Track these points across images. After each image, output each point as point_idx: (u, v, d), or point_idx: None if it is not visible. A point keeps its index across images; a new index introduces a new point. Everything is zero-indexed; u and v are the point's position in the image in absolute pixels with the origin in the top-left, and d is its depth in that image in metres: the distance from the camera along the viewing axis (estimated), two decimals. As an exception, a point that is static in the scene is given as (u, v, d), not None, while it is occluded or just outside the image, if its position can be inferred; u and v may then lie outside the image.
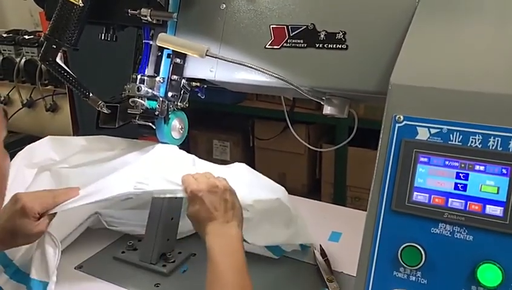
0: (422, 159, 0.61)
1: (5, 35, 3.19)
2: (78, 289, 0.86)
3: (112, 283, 0.87)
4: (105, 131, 0.96)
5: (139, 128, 0.93)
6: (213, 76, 0.90)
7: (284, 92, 0.93)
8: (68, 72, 0.87)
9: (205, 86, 0.95)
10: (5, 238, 0.79)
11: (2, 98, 3.36)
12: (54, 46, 0.84)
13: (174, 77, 0.90)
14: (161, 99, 0.88)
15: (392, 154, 0.63)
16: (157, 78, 0.89)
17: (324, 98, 0.83)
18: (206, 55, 0.78)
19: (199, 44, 0.80)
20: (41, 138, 3.48)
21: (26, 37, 3.10)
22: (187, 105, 0.94)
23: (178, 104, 0.92)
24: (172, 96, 0.90)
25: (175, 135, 0.93)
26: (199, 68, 0.91)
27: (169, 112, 0.90)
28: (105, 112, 0.90)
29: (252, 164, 2.78)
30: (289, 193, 1.25)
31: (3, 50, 3.24)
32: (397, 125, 0.63)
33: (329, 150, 2.35)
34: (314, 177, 2.58)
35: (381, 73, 0.74)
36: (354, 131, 0.93)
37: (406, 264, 0.61)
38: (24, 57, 3.19)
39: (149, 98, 0.88)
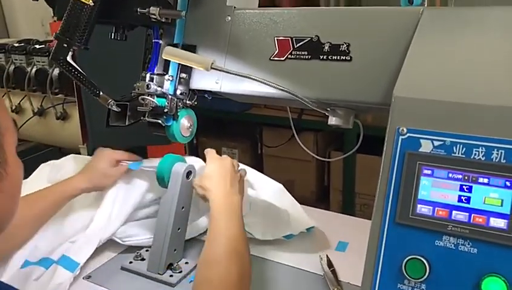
0: (425, 171, 0.61)
1: (16, 44, 3.23)
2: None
3: (119, 293, 0.88)
4: (115, 129, 0.97)
5: (148, 127, 0.95)
6: (219, 88, 0.91)
7: (289, 103, 0.93)
8: (79, 70, 0.88)
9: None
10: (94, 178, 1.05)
11: (14, 107, 3.40)
12: (65, 45, 0.86)
13: (183, 75, 0.92)
14: (170, 96, 0.90)
15: (396, 166, 0.64)
16: (166, 76, 0.91)
17: (328, 109, 0.83)
18: (211, 68, 0.79)
19: (204, 57, 0.81)
20: (51, 146, 3.49)
21: (37, 46, 3.15)
22: (195, 103, 0.96)
23: (187, 102, 0.94)
24: (181, 93, 0.92)
25: (184, 132, 0.94)
26: (205, 80, 0.92)
27: (178, 110, 0.92)
28: (115, 110, 0.91)
29: (260, 171, 2.79)
30: (297, 200, 1.26)
31: (15, 59, 3.29)
32: (400, 137, 0.63)
33: (337, 159, 2.34)
34: (322, 184, 2.58)
35: (385, 84, 0.75)
36: (360, 140, 0.94)
37: (410, 277, 0.61)
38: (35, 66, 3.23)
39: (158, 96, 0.90)
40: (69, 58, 0.88)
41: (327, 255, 0.96)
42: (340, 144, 2.42)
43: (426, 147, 0.62)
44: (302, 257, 0.98)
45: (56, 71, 3.10)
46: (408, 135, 0.63)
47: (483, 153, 0.59)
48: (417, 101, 0.63)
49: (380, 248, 0.64)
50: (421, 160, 0.62)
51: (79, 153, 3.19)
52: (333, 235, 1.08)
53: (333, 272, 0.92)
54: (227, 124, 2.77)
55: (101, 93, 0.92)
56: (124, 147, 2.41)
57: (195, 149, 2.84)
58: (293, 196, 1.25)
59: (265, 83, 0.78)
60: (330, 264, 0.94)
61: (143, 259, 0.97)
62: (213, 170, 0.93)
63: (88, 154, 2.77)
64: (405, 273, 0.61)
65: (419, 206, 0.61)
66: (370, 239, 0.65)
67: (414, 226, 0.61)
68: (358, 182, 2.36)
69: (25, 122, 3.27)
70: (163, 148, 1.68)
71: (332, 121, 0.84)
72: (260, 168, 2.82)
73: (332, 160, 2.26)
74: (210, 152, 0.99)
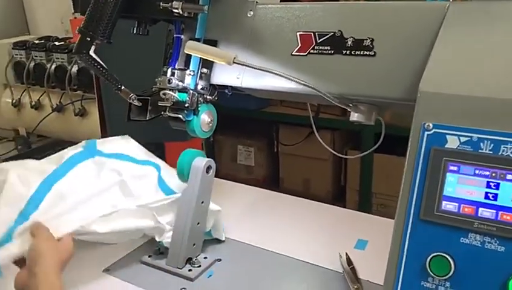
0: (451, 167, 0.61)
1: (36, 41, 3.28)
2: (105, 292, 0.88)
3: (139, 287, 0.89)
4: (133, 125, 0.98)
5: (169, 121, 0.95)
6: (240, 83, 0.91)
7: (310, 98, 0.93)
8: (101, 64, 0.89)
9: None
10: None
11: (33, 103, 3.45)
12: (88, 39, 0.86)
13: (204, 70, 0.92)
14: (191, 91, 0.90)
15: (421, 162, 0.63)
16: (187, 71, 0.92)
17: (350, 104, 0.83)
18: (234, 62, 0.79)
19: (226, 52, 0.81)
20: (70, 142, 3.54)
21: (57, 43, 3.19)
22: (216, 98, 0.96)
23: (208, 97, 0.94)
24: (201, 88, 0.92)
25: (205, 127, 0.95)
26: (226, 75, 0.92)
27: (199, 105, 0.92)
28: (136, 104, 0.92)
29: (276, 170, 2.80)
30: (314, 199, 1.25)
31: (35, 56, 3.33)
32: (426, 133, 0.63)
33: (355, 157, 2.33)
34: (339, 183, 2.57)
35: (409, 80, 0.74)
36: (381, 138, 0.92)
37: (434, 274, 0.60)
38: (54, 63, 3.27)
39: (179, 91, 0.91)
40: (91, 52, 0.89)
41: (346, 253, 0.95)
42: (357, 143, 2.41)
43: (452, 143, 0.61)
44: (321, 254, 0.97)
45: (75, 68, 3.13)
46: (434, 130, 0.62)
47: (511, 149, 0.58)
48: (443, 96, 0.62)
49: (403, 244, 0.63)
50: (447, 156, 0.61)
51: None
52: (351, 233, 1.07)
53: (353, 269, 0.91)
54: (243, 122, 2.77)
55: (123, 87, 0.93)
56: (143, 144, 2.43)
57: (212, 146, 2.85)
58: (309, 195, 1.25)
59: (288, 78, 0.77)
60: (349, 262, 0.93)
61: (161, 253, 0.97)
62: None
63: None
64: (429, 270, 0.60)
65: (444, 202, 0.61)
66: (394, 236, 0.64)
67: (439, 223, 0.60)
68: (375, 181, 2.34)
69: (43, 118, 3.31)
70: (181, 144, 1.69)
71: (354, 117, 0.84)
72: (276, 167, 2.82)
73: (350, 157, 2.24)
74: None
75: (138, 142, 2.46)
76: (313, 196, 1.19)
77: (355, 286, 0.86)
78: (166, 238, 0.95)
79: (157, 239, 0.96)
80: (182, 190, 0.97)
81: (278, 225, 1.12)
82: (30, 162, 0.98)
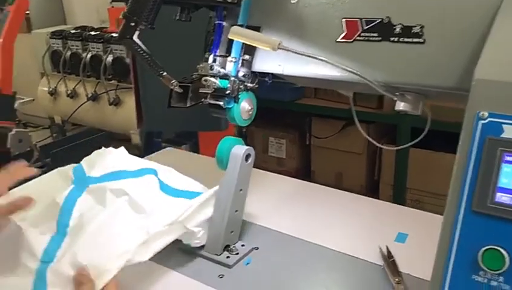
0: (507, 158, 0.58)
1: (73, 31, 3.34)
2: (145, 277, 0.88)
3: (178, 272, 0.89)
4: (169, 114, 0.98)
5: (209, 109, 0.95)
6: (282, 70, 0.90)
7: (353, 87, 0.91)
8: (144, 50, 0.89)
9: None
10: None
11: (69, 92, 3.52)
12: (132, 24, 0.87)
13: (246, 56, 0.91)
14: (232, 78, 0.90)
15: (474, 152, 0.60)
16: (229, 58, 0.91)
17: (397, 93, 0.81)
18: (278, 48, 0.78)
19: (271, 37, 0.80)
20: (103, 131, 3.58)
21: (93, 33, 3.24)
22: (257, 86, 0.95)
23: (249, 84, 0.93)
24: (243, 75, 0.92)
25: (244, 115, 0.95)
26: (267, 62, 0.91)
27: (240, 92, 0.92)
28: (178, 91, 0.92)
29: (307, 163, 2.78)
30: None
31: (71, 45, 3.39)
32: (480, 122, 0.60)
33: (390, 149, 2.29)
34: (372, 178, 2.53)
35: (461, 68, 0.71)
36: (426, 129, 0.90)
37: (487, 268, 0.57)
38: (90, 52, 3.33)
39: (220, 77, 0.90)
40: (135, 38, 0.90)
41: (386, 246, 0.94)
42: (393, 137, 2.37)
43: (509, 132, 0.58)
44: (360, 246, 0.96)
45: (110, 58, 3.18)
46: (489, 119, 0.60)
47: None
48: (500, 84, 0.60)
49: (453, 237, 0.61)
50: (503, 146, 0.58)
51: (129, 140, 3.27)
52: (390, 225, 1.04)
53: (393, 262, 0.89)
54: (275, 114, 2.76)
55: (165, 73, 0.93)
56: (177, 132, 2.45)
57: (244, 138, 2.85)
58: (341, 189, 1.23)
59: (334, 65, 0.76)
60: (389, 254, 0.92)
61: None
62: None
63: (141, 140, 2.83)
64: (481, 264, 0.58)
65: (498, 194, 0.58)
66: (443, 228, 0.62)
67: (492, 215, 0.58)
68: (410, 176, 2.30)
69: (78, 107, 3.37)
70: (214, 134, 1.69)
71: (400, 106, 0.81)
72: (307, 160, 2.81)
73: (388, 148, 2.18)
74: None
75: (173, 131, 2.49)
76: (346, 189, 1.17)
77: (396, 279, 0.85)
78: (194, 242, 0.93)
79: (184, 242, 0.93)
80: (184, 185, 0.98)
81: (314, 215, 1.10)
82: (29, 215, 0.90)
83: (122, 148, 1.11)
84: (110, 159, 1.04)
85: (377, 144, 1.05)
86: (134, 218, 0.90)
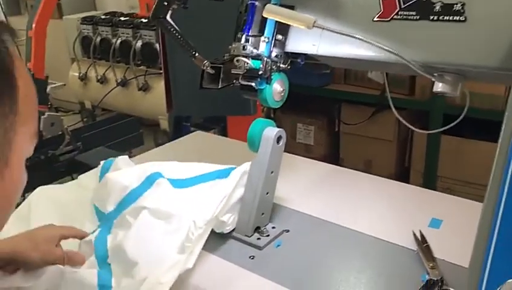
0: (555, 139, 0.56)
1: (103, 17, 3.37)
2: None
3: (209, 253, 0.89)
4: (205, 95, 0.98)
5: (241, 90, 0.94)
6: (316, 50, 0.88)
7: (389, 67, 0.89)
8: (177, 30, 0.89)
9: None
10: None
11: (99, 77, 3.56)
12: (165, 3, 0.86)
13: (279, 36, 0.90)
14: (265, 59, 0.88)
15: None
16: (262, 38, 0.90)
17: (435, 74, 0.78)
18: (314, 26, 0.76)
19: (306, 15, 0.79)
20: (132, 116, 3.59)
21: (122, 18, 3.26)
22: (289, 67, 0.94)
23: (281, 65, 0.92)
24: (275, 56, 0.90)
25: (276, 97, 0.93)
26: (301, 42, 0.90)
27: (272, 73, 0.91)
28: (210, 72, 0.91)
29: (336, 150, 2.75)
30: (375, 180, 1.21)
31: (101, 31, 3.42)
32: (526, 101, 0.58)
33: (422, 134, 2.24)
34: (403, 165, 2.49)
35: (504, 47, 0.68)
36: (465, 110, 0.87)
37: (530, 253, 0.56)
38: (120, 38, 3.35)
39: (253, 58, 0.89)
40: (168, 17, 0.89)
41: (420, 231, 0.92)
42: (424, 124, 2.32)
43: (558, 112, 0.56)
44: (394, 232, 0.94)
45: (139, 43, 3.20)
46: (536, 98, 0.57)
47: None
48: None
49: (495, 222, 0.59)
50: (551, 126, 0.56)
51: (159, 125, 3.29)
52: (423, 210, 1.02)
53: (427, 248, 0.88)
54: (304, 100, 2.73)
55: (197, 54, 0.93)
56: (206, 116, 2.45)
57: (272, 124, 2.83)
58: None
59: (371, 43, 0.74)
60: (423, 239, 0.90)
61: (230, 222, 0.97)
62: None
63: (169, 125, 2.85)
64: (525, 247, 0.56)
65: (544, 177, 0.56)
66: (484, 212, 0.60)
67: (537, 198, 0.56)
68: (441, 164, 2.25)
69: (108, 92, 3.42)
70: (243, 118, 1.69)
71: (438, 87, 0.79)
72: (337, 147, 2.78)
73: (422, 131, 2.13)
74: None
75: (202, 116, 2.49)
76: (375, 177, 1.15)
77: (430, 264, 0.83)
78: (225, 229, 0.94)
79: (217, 231, 0.92)
80: (194, 172, 0.99)
81: (345, 199, 1.09)
82: None
83: (125, 158, 1.13)
84: (113, 184, 1.00)
85: (411, 127, 1.03)
86: (161, 225, 0.90)
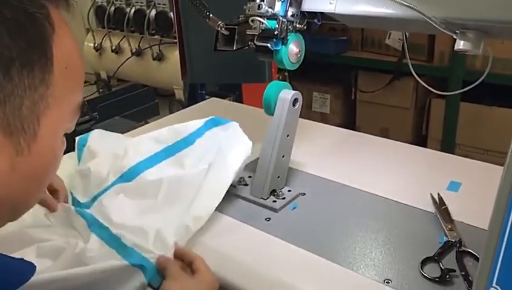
0: None
1: (117, -15, 3.32)
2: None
3: (225, 215, 0.89)
4: (219, 61, 0.96)
5: (256, 52, 0.92)
6: (333, 8, 0.85)
7: (409, 25, 0.86)
8: None
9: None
10: None
11: (114, 47, 3.55)
12: None
13: None
14: (280, 18, 0.86)
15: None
16: None
17: (457, 31, 0.75)
18: (331, -19, 0.74)
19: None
20: (147, 86, 3.60)
21: (136, -13, 3.20)
22: (305, 27, 0.91)
23: (297, 25, 0.90)
24: (291, 15, 0.88)
25: (293, 58, 0.92)
26: (318, 1, 0.87)
27: (288, 33, 0.89)
28: (224, 33, 0.90)
29: (352, 118, 2.73)
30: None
31: (115, 0, 3.40)
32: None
33: (440, 100, 2.20)
34: (420, 133, 2.46)
35: (530, 0, 0.65)
36: (487, 71, 0.84)
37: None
38: (134, 7, 3.32)
39: (268, 18, 0.87)
40: (181, -23, 0.88)
41: (438, 194, 0.91)
42: (443, 91, 2.27)
43: None
44: (412, 194, 0.93)
45: (153, 12, 3.17)
46: None
47: None
48: None
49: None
50: None
51: (174, 94, 3.29)
52: (441, 174, 1.01)
53: (445, 210, 0.87)
54: (319, 67, 2.70)
55: (211, 15, 0.91)
56: (220, 84, 2.43)
57: (287, 91, 2.81)
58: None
59: (390, -1, 0.71)
60: (441, 202, 0.89)
61: (246, 184, 0.97)
62: None
63: (184, 93, 2.85)
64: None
65: None
66: (507, 166, 0.58)
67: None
68: (460, 132, 2.22)
69: (123, 62, 3.41)
70: (258, 86, 1.67)
71: (460, 45, 0.76)
72: (353, 115, 2.75)
73: (446, 93, 2.08)
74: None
75: (216, 83, 2.47)
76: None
77: (448, 226, 0.82)
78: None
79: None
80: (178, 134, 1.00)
81: (362, 163, 1.08)
82: None
83: (100, 131, 1.12)
84: (91, 177, 0.98)
85: (431, 89, 1.00)
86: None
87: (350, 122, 2.73)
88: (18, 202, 0.50)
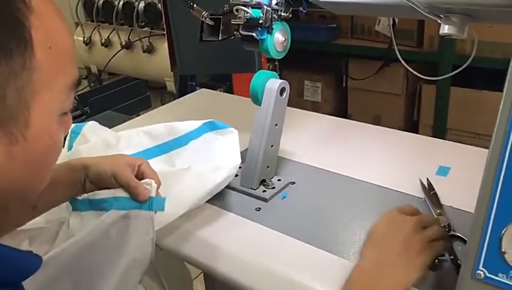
0: None
1: (104, -23, 3.29)
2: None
3: (215, 205, 0.89)
4: (209, 52, 0.95)
5: (242, 42, 0.92)
6: (318, -4, 0.85)
7: (395, 11, 0.86)
8: None
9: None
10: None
11: (103, 40, 3.52)
12: None
13: None
14: (265, 7, 0.86)
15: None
16: None
17: (441, 15, 0.75)
18: (314, -31, 0.73)
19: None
20: (139, 79, 3.59)
21: (124, -22, 3.18)
22: (290, 16, 0.91)
23: (282, 13, 0.89)
24: (276, 3, 0.88)
25: (279, 47, 0.91)
26: (302, -11, 0.87)
27: (273, 22, 0.88)
28: (209, 23, 0.89)
29: (344, 106, 2.73)
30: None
31: (104, -8, 3.36)
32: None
33: (430, 85, 2.20)
34: (411, 119, 2.47)
35: (514, -18, 0.65)
36: (472, 55, 0.84)
37: (537, 194, 0.55)
38: (122, 0, 3.29)
39: (253, 7, 0.87)
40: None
41: (427, 179, 0.91)
42: (433, 76, 2.27)
43: None
44: (399, 180, 0.93)
45: (142, 4, 3.15)
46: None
47: None
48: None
49: (502, 159, 0.57)
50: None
51: (165, 87, 3.28)
52: (431, 159, 1.01)
53: (434, 195, 0.87)
54: (310, 56, 2.69)
55: (195, 5, 0.91)
56: (210, 75, 2.43)
57: (278, 81, 2.81)
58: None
59: (373, -16, 0.71)
60: (430, 187, 0.89)
61: (236, 175, 0.97)
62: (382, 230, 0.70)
63: (175, 84, 2.84)
64: (531, 187, 0.55)
65: (552, 115, 0.54)
66: (491, 150, 0.59)
67: (545, 136, 0.54)
68: (451, 116, 2.22)
69: (113, 56, 3.39)
70: (248, 76, 1.67)
71: (445, 29, 0.76)
72: (344, 103, 2.75)
73: (436, 78, 2.10)
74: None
75: (206, 74, 2.46)
76: (384, 131, 1.13)
77: (437, 211, 0.82)
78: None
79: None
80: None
81: (352, 151, 1.08)
82: None
83: (94, 124, 1.06)
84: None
85: (420, 75, 1.00)
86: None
87: (342, 110, 2.73)
88: (24, 188, 0.50)
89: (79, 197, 0.75)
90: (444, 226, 0.79)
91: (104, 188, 0.74)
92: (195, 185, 0.86)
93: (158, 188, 0.74)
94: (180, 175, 0.89)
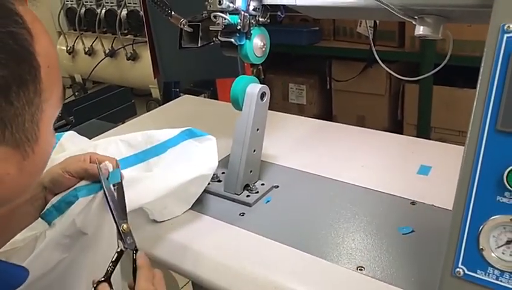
0: (534, 72, 0.55)
1: (85, -14, 3.28)
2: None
3: (199, 212, 0.89)
4: (191, 59, 0.95)
5: (221, 48, 0.92)
6: (294, 1, 0.85)
7: (371, 14, 0.87)
8: None
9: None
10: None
11: (87, 49, 3.50)
12: None
13: None
14: (242, 13, 0.86)
15: (498, 69, 0.57)
16: None
17: (416, 17, 0.76)
18: (288, -26, 0.74)
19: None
20: (123, 87, 3.57)
21: (105, -13, 3.17)
22: (268, 21, 0.91)
23: (260, 19, 0.90)
24: (253, 9, 0.88)
25: (258, 52, 0.92)
26: (279, -6, 0.87)
27: (251, 28, 0.89)
28: (188, 30, 0.89)
29: (328, 107, 2.74)
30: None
31: (85, 1, 3.35)
32: (505, 35, 0.56)
33: (413, 85, 2.22)
34: (395, 119, 2.49)
35: (484, -17, 0.66)
36: (448, 55, 0.86)
37: (512, 188, 0.55)
38: (104, 7, 3.28)
39: (230, 13, 0.87)
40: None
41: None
42: (415, 76, 2.30)
43: (536, 44, 0.55)
44: (384, 181, 0.94)
45: (124, 12, 3.14)
46: (515, 32, 0.56)
47: None
48: (527, -8, 0.55)
49: (477, 158, 0.58)
50: (530, 60, 0.55)
51: (150, 94, 3.26)
52: (413, 159, 1.02)
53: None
54: (294, 59, 2.70)
55: (173, 13, 0.91)
56: (194, 81, 2.43)
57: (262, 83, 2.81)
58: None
59: (347, -13, 0.72)
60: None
61: (219, 181, 0.97)
62: None
63: (160, 92, 2.83)
64: (506, 184, 0.56)
65: (525, 111, 0.55)
66: (466, 149, 0.60)
67: (518, 133, 0.55)
68: (434, 115, 2.25)
69: (97, 64, 3.37)
70: (231, 81, 1.67)
71: (419, 30, 0.77)
72: (329, 104, 2.76)
73: (412, 79, 2.12)
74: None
75: (190, 80, 2.47)
76: (368, 132, 1.14)
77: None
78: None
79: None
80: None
81: (334, 153, 1.09)
82: None
83: (72, 134, 1.04)
84: None
85: (400, 77, 1.01)
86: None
87: (327, 112, 2.74)
88: (16, 197, 0.53)
89: (44, 210, 0.76)
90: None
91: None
92: (168, 177, 0.85)
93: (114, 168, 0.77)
94: (156, 176, 0.88)
